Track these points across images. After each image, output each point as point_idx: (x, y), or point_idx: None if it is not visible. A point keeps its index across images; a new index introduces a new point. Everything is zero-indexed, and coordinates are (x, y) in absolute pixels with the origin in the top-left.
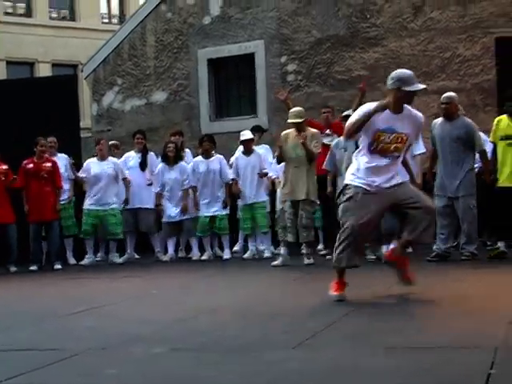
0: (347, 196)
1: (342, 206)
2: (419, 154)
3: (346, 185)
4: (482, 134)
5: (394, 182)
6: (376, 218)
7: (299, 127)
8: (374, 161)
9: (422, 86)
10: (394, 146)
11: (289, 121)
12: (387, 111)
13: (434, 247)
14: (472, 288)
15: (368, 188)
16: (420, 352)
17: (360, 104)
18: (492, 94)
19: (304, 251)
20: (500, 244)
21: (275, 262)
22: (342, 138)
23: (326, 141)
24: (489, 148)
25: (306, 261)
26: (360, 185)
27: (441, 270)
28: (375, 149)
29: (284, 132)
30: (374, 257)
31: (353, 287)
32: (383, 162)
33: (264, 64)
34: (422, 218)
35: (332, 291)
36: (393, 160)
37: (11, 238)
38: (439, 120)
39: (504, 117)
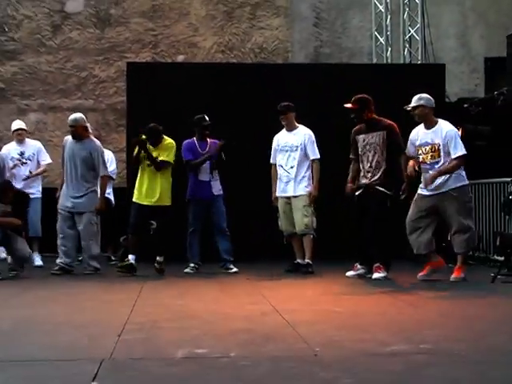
0: None
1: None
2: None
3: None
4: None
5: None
6: None
7: None
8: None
9: None
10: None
11: None
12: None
13: (58, 261)
14: (84, 302)
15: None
16: (28, 366)
17: None
18: (124, 115)
19: None
20: (130, 257)
21: None
22: None
23: None
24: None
25: None
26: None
27: (65, 283)
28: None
29: None
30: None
31: None
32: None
33: None
34: None
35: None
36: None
37: None
38: (69, 139)
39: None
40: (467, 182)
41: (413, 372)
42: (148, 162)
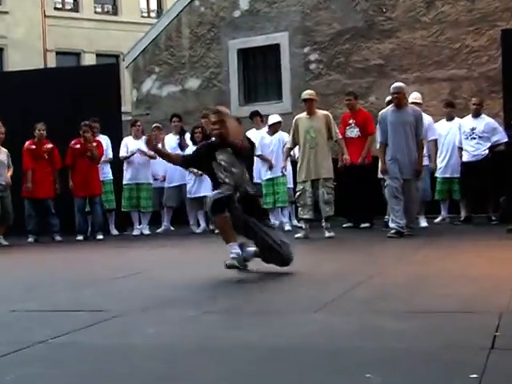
0: None
1: None
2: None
3: None
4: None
5: None
6: None
7: (310, 105)
8: None
9: None
10: None
11: (302, 97)
12: None
13: (393, 225)
14: (474, 258)
15: None
16: (430, 316)
17: None
18: (497, 81)
19: (324, 225)
20: None
21: (298, 235)
22: None
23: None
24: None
25: (327, 234)
26: None
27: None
28: None
29: (296, 117)
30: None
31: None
32: None
33: (288, 54)
34: None
35: None
36: None
37: (52, 210)
38: (389, 109)
39: None
40: None
41: None
42: None
